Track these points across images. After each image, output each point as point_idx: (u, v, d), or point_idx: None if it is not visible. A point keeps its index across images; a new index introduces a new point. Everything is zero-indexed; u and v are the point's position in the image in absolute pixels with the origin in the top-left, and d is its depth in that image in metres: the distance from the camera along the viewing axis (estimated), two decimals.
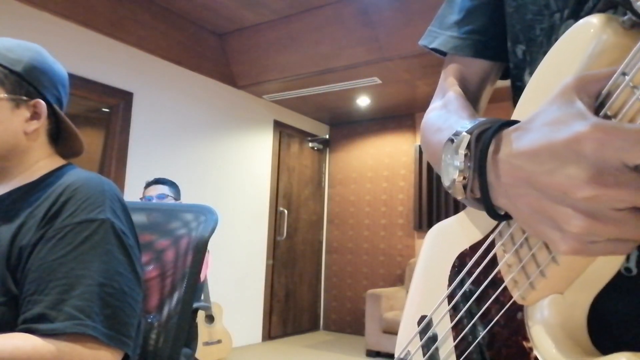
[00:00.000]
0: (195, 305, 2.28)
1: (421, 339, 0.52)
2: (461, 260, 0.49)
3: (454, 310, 0.47)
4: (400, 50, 3.49)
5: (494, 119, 0.39)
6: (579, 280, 0.35)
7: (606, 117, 0.30)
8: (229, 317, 3.84)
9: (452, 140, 0.40)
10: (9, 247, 0.77)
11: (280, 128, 4.99)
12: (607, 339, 0.36)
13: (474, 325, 0.44)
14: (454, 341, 0.46)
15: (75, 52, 3.20)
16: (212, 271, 3.80)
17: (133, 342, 0.78)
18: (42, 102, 0.87)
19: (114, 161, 3.41)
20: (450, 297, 0.48)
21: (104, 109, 3.53)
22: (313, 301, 5.30)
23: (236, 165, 4.44)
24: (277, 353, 4.28)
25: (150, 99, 3.68)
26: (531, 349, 0.37)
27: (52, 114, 0.90)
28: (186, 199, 3.59)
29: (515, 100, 0.53)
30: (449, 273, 0.50)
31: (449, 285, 0.49)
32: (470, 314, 0.45)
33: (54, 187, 0.82)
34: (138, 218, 1.03)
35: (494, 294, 0.42)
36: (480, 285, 0.44)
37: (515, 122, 0.36)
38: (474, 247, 0.47)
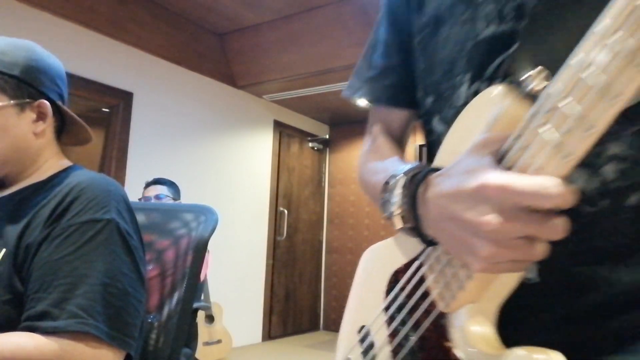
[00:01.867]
0: (195, 305, 2.28)
1: (361, 346, 0.58)
2: (395, 277, 0.56)
3: (390, 320, 0.54)
4: None
5: (423, 165, 0.49)
6: (488, 292, 0.44)
7: (506, 168, 0.38)
8: (229, 317, 3.84)
9: (389, 182, 0.50)
10: (15, 246, 0.77)
11: (280, 128, 4.98)
12: (512, 335, 0.44)
13: (407, 332, 0.51)
14: (391, 347, 0.53)
15: (75, 52, 3.20)
16: (212, 271, 3.80)
17: (136, 343, 0.78)
18: (46, 102, 0.87)
19: (114, 161, 3.41)
20: (387, 309, 0.55)
21: (104, 109, 3.53)
22: (313, 301, 5.30)
23: (236, 165, 4.44)
24: (277, 353, 4.28)
25: (150, 99, 3.68)
26: (451, 348, 0.46)
27: (57, 111, 0.90)
28: (186, 199, 3.59)
29: (427, 139, 0.64)
30: (385, 288, 0.57)
31: (385, 298, 0.56)
32: (403, 323, 0.52)
33: (60, 187, 0.83)
34: (138, 218, 1.03)
35: (423, 305, 0.50)
36: (412, 299, 0.51)
37: (439, 168, 0.45)
38: (406, 266, 0.54)
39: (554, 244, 0.36)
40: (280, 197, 4.94)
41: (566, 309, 0.47)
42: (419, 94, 0.63)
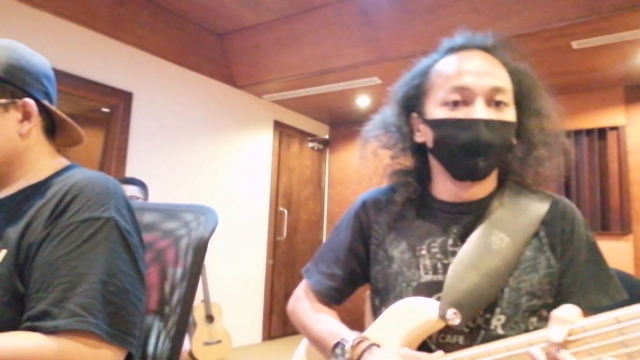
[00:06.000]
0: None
1: None
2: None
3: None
4: (400, 50, 3.49)
5: (363, 336, 0.83)
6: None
7: None
8: (229, 317, 3.84)
9: (342, 342, 0.83)
10: (16, 246, 0.77)
11: (280, 128, 4.98)
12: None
13: None
14: None
15: (75, 52, 3.20)
16: (212, 271, 3.80)
17: (136, 341, 0.78)
18: (30, 101, 0.85)
19: (113, 161, 3.41)
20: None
21: (104, 109, 3.52)
22: None
23: (236, 165, 4.44)
24: (277, 353, 4.28)
25: (150, 99, 3.68)
26: None
27: (44, 110, 0.89)
28: (186, 199, 3.59)
29: (373, 310, 0.96)
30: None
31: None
32: None
33: (59, 186, 0.82)
34: (138, 218, 1.03)
35: None
36: None
37: (374, 343, 0.81)
38: None
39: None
40: (280, 197, 4.94)
41: None
42: (374, 295, 0.95)
